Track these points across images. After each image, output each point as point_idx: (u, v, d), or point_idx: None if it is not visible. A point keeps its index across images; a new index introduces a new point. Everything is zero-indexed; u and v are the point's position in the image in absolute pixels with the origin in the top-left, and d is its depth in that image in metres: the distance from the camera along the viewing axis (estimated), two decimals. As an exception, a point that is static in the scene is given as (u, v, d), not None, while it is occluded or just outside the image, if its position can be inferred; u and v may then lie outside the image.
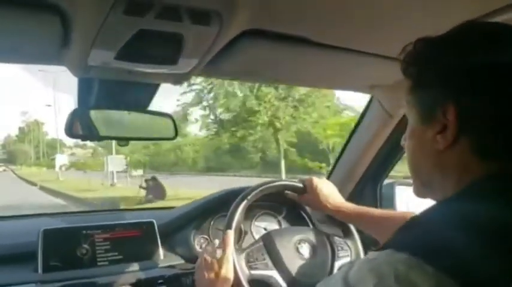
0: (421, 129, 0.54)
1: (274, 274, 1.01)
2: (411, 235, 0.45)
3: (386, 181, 1.46)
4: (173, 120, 1.04)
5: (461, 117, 0.49)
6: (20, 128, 61.86)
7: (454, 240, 0.42)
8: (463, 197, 0.49)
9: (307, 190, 1.09)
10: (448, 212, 0.47)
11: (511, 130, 0.48)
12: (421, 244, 0.43)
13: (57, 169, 25.69)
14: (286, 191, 1.14)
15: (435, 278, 0.39)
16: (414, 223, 0.48)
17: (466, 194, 0.49)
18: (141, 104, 1.00)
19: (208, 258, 0.93)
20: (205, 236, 1.26)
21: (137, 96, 0.98)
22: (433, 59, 0.53)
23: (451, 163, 0.52)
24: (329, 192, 1.08)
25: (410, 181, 0.62)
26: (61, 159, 29.06)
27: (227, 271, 0.91)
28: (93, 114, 0.97)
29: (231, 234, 0.97)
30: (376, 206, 1.43)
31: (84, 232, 1.12)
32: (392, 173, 1.47)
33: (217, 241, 1.02)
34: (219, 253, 0.94)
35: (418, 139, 0.55)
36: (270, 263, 1.02)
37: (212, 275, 0.90)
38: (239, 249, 1.01)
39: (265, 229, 1.30)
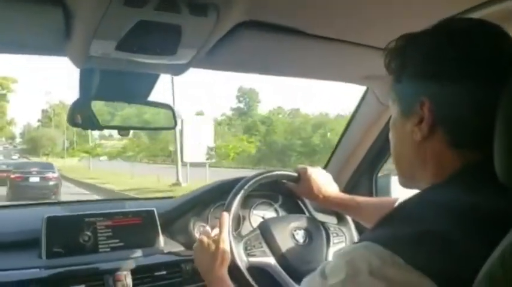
0: (402, 122, 0.57)
1: (272, 260, 1.05)
2: (387, 228, 0.48)
3: (382, 172, 1.49)
4: (173, 110, 1.07)
5: (435, 109, 0.52)
6: (43, 111, 47.76)
7: (426, 233, 0.44)
8: (439, 188, 0.51)
9: (301, 179, 1.12)
10: (424, 204, 0.49)
11: (483, 122, 0.50)
12: (394, 237, 0.45)
13: (187, 159, 11.43)
14: (282, 181, 1.17)
15: (406, 270, 0.41)
16: (392, 215, 0.50)
17: (441, 186, 0.51)
18: (141, 95, 1.02)
19: (205, 239, 0.96)
20: (204, 224, 1.29)
21: (137, 87, 1.00)
22: (411, 54, 0.55)
23: (429, 154, 0.54)
24: (322, 182, 1.10)
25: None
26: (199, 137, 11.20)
27: (224, 251, 0.94)
28: (95, 104, 1.00)
29: (226, 216, 1.00)
30: (371, 197, 1.46)
31: (86, 219, 1.16)
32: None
33: (215, 224, 1.05)
34: (214, 233, 0.98)
35: (399, 131, 0.58)
36: (267, 250, 1.06)
37: (210, 255, 0.93)
38: (238, 237, 1.04)
39: (262, 218, 1.33)
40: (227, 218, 1.00)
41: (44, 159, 31.35)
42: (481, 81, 0.50)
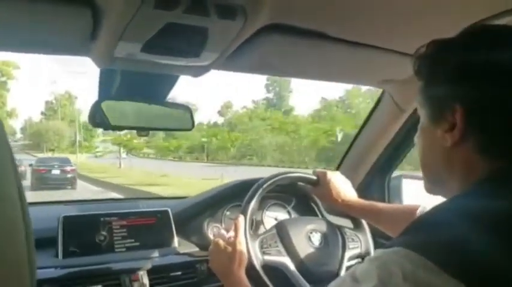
0: (431, 127, 0.56)
1: (286, 260, 1.05)
2: (417, 234, 0.47)
3: (395, 174, 1.49)
4: (190, 112, 1.07)
5: (468, 117, 0.51)
6: (46, 102, 44.56)
7: (457, 238, 0.43)
8: (468, 195, 0.51)
9: (320, 182, 1.12)
10: (454, 210, 0.49)
11: None
12: (425, 243, 0.44)
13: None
14: (300, 183, 1.17)
15: (439, 275, 0.41)
16: (422, 221, 0.50)
17: (470, 192, 0.51)
18: (160, 96, 1.02)
19: (221, 242, 0.96)
20: (218, 225, 1.29)
21: (157, 88, 1.00)
22: (442, 60, 0.55)
23: (458, 160, 0.54)
24: (341, 186, 1.10)
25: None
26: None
27: (241, 253, 0.94)
28: (114, 104, 1.00)
29: (242, 219, 1.00)
30: (383, 198, 1.46)
31: (102, 219, 1.16)
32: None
33: (229, 226, 1.05)
34: (229, 235, 0.98)
35: (428, 137, 0.58)
36: (282, 250, 1.06)
37: (227, 258, 0.93)
38: (254, 235, 1.05)
39: (275, 219, 1.33)
40: (243, 220, 1.00)
41: (49, 155, 27.61)
42: None
